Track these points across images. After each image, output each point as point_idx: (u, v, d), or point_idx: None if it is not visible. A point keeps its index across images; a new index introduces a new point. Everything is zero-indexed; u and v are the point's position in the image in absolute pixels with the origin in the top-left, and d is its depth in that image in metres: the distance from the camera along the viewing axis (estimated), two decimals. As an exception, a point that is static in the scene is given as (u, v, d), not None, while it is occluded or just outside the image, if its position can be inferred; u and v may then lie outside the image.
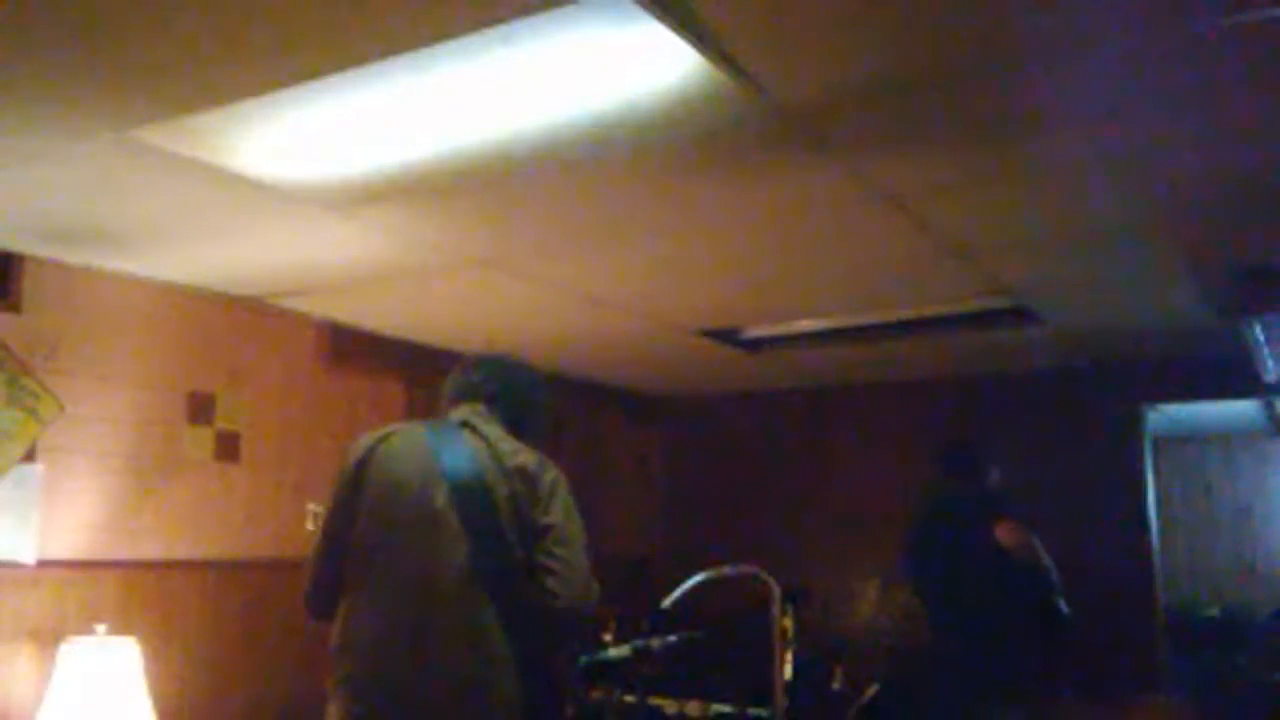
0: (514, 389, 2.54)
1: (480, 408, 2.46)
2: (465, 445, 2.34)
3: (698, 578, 3.47)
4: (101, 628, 3.13)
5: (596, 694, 3.85)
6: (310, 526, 2.43)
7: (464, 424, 2.40)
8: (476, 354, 2.65)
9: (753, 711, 3.88)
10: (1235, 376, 4.58)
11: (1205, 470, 7.05)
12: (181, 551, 3.57)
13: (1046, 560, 3.95)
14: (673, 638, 4.04)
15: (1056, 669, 4.07)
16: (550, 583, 2.20)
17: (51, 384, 3.22)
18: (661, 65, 1.95)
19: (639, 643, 3.93)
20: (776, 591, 3.47)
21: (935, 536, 4.21)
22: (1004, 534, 3.95)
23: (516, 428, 2.45)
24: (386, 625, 2.25)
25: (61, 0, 1.73)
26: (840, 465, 5.63)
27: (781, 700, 3.46)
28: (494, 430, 2.39)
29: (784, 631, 3.52)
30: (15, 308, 3.18)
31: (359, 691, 2.24)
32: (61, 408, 3.23)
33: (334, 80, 2.00)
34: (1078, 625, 4.00)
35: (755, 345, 4.77)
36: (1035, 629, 3.94)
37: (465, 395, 2.51)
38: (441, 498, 2.27)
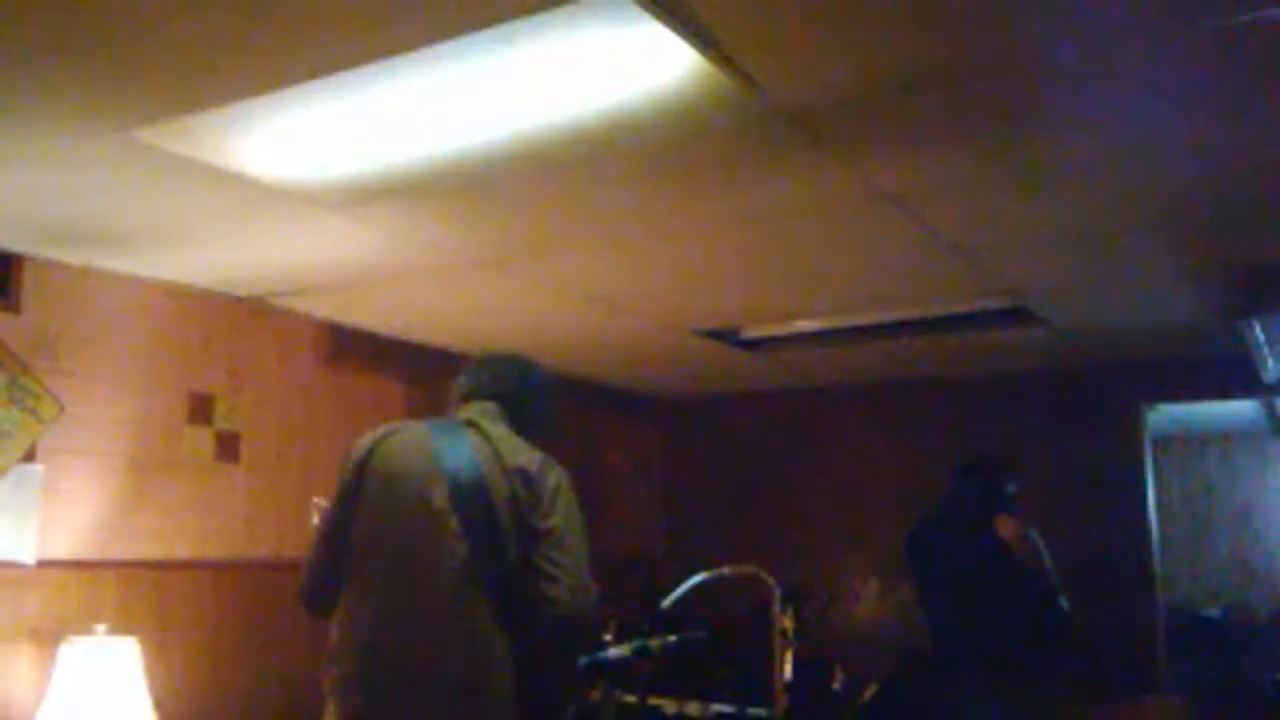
0: (523, 389, 2.52)
1: (488, 407, 2.45)
2: (468, 444, 2.32)
3: (698, 578, 3.47)
4: (101, 628, 3.13)
5: (596, 694, 3.85)
6: (316, 521, 2.43)
7: (469, 423, 2.39)
8: (486, 353, 2.64)
9: (753, 711, 3.88)
10: (1235, 376, 4.58)
11: (1205, 470, 7.05)
12: (181, 551, 3.56)
13: (1046, 556, 3.95)
14: (673, 638, 4.04)
15: (1055, 667, 4.07)
16: (549, 587, 2.19)
17: (51, 384, 3.22)
18: (661, 65, 1.94)
19: (639, 643, 3.93)
20: (776, 591, 3.47)
21: (938, 534, 4.21)
22: (1002, 528, 3.96)
23: (524, 428, 2.43)
24: (383, 625, 2.24)
25: (62, 1, 1.73)
26: (840, 465, 5.63)
27: (781, 700, 3.46)
28: (499, 430, 2.38)
29: (784, 631, 3.52)
30: (15, 308, 3.17)
31: (355, 692, 2.23)
32: (61, 408, 3.23)
33: (334, 80, 2.00)
34: (1076, 623, 4.00)
35: (755, 345, 4.77)
36: (1035, 627, 3.94)
37: (473, 394, 2.49)
38: (441, 497, 2.26)
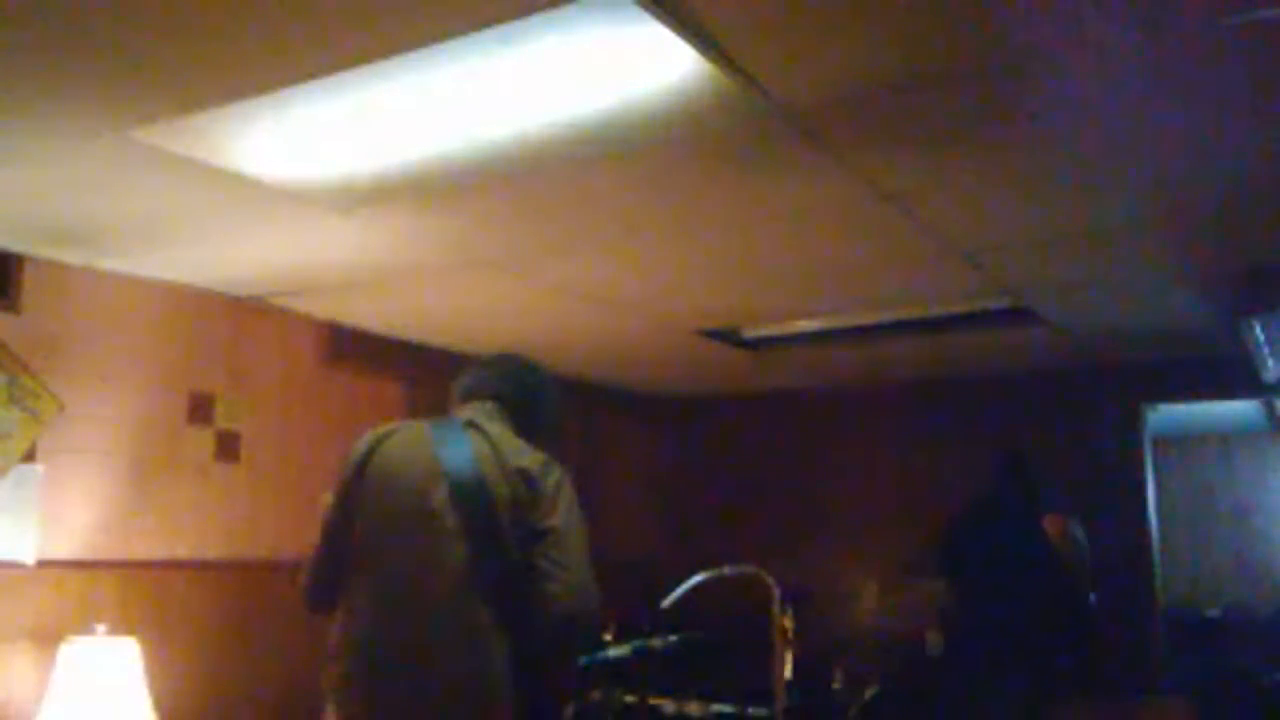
0: (524, 390, 2.52)
1: (488, 407, 2.44)
2: (468, 444, 2.32)
3: (698, 578, 3.48)
4: (101, 628, 3.13)
5: (596, 694, 3.85)
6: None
7: (469, 423, 2.38)
8: (488, 354, 2.63)
9: (753, 711, 3.88)
10: (1235, 376, 4.58)
11: (1205, 470, 7.05)
12: (181, 551, 3.56)
13: (1086, 552, 3.98)
14: (673, 638, 4.05)
15: (1068, 657, 4.10)
16: (550, 587, 2.18)
17: (51, 384, 3.22)
18: (661, 65, 1.94)
19: (639, 643, 3.94)
20: (776, 591, 3.47)
21: (989, 527, 4.22)
22: (1051, 527, 4.01)
23: (525, 429, 2.43)
24: (383, 625, 2.24)
25: (62, 1, 1.73)
26: (840, 465, 5.63)
27: (781, 700, 3.46)
28: (499, 430, 2.37)
29: (784, 631, 3.52)
30: (15, 308, 3.17)
31: (355, 691, 2.23)
32: (61, 408, 3.23)
33: (334, 80, 2.00)
34: (1101, 618, 4.03)
35: (755, 345, 4.77)
36: (1061, 620, 3.97)
37: (474, 394, 2.49)
38: (440, 497, 2.26)
